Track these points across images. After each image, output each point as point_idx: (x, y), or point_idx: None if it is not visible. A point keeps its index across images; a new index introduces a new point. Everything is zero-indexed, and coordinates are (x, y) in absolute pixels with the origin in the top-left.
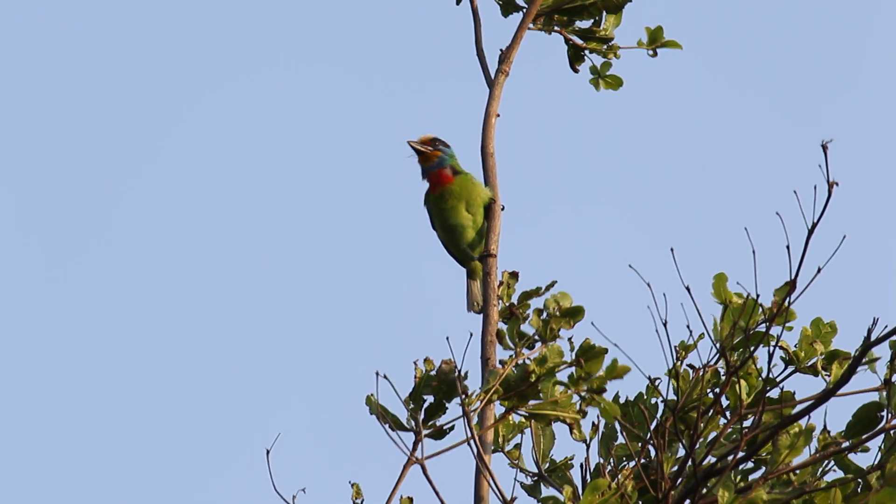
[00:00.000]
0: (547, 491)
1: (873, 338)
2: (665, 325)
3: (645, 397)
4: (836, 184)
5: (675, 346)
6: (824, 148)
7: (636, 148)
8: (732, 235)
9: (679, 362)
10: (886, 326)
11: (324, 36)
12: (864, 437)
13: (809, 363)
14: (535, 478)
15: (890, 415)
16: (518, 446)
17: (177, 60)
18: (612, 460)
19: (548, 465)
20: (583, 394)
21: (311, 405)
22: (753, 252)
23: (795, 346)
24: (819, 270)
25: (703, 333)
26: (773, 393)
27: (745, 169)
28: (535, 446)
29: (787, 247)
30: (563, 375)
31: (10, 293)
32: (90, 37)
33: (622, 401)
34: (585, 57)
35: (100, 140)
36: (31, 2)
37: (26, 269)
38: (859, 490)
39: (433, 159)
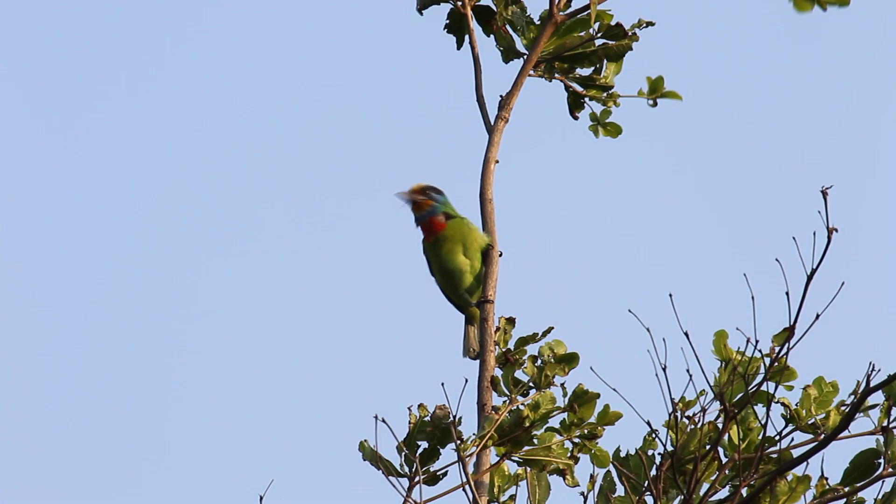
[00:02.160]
0: None
1: (871, 385)
2: (664, 369)
3: (642, 447)
4: (836, 230)
5: (675, 400)
6: (824, 194)
7: (635, 195)
8: (732, 281)
9: (678, 414)
10: (881, 371)
11: (326, 77)
12: (861, 483)
13: (811, 422)
14: None
15: (886, 462)
16: (513, 497)
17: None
18: None
19: None
20: (575, 440)
21: (305, 451)
22: (752, 298)
23: (797, 404)
24: (818, 317)
25: (703, 390)
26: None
27: (745, 215)
28: (530, 497)
29: (787, 293)
30: (556, 421)
31: (8, 294)
32: (95, 47)
33: (623, 454)
34: (585, 104)
35: (107, 157)
36: (33, 5)
37: (28, 272)
38: None
39: (425, 207)
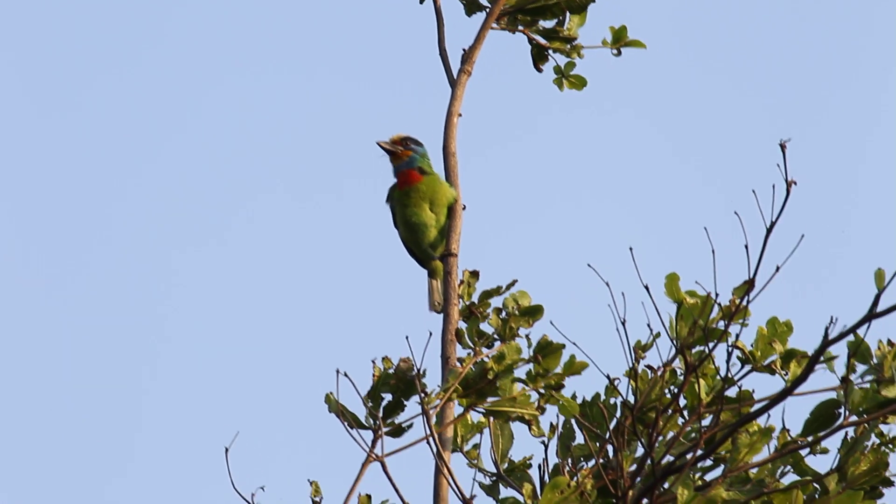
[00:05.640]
0: (505, 491)
1: (831, 336)
2: (624, 324)
3: (604, 397)
4: (795, 183)
5: (633, 346)
6: (782, 147)
7: (597, 148)
8: (692, 235)
9: (637, 362)
10: (844, 325)
11: (283, 35)
12: (821, 434)
13: (766, 362)
14: (494, 478)
15: (847, 412)
16: (477, 446)
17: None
18: (570, 460)
19: (506, 465)
20: (541, 390)
21: (271, 403)
22: (713, 251)
23: (752, 346)
24: (777, 269)
25: (659, 332)
26: (731, 392)
27: (705, 168)
28: (493, 446)
29: (746, 246)
30: (521, 373)
31: (8, 295)
32: (89, 41)
33: (580, 401)
34: (549, 57)
35: (96, 146)
36: (33, 5)
37: (24, 273)
38: (817, 496)
39: (403, 159)
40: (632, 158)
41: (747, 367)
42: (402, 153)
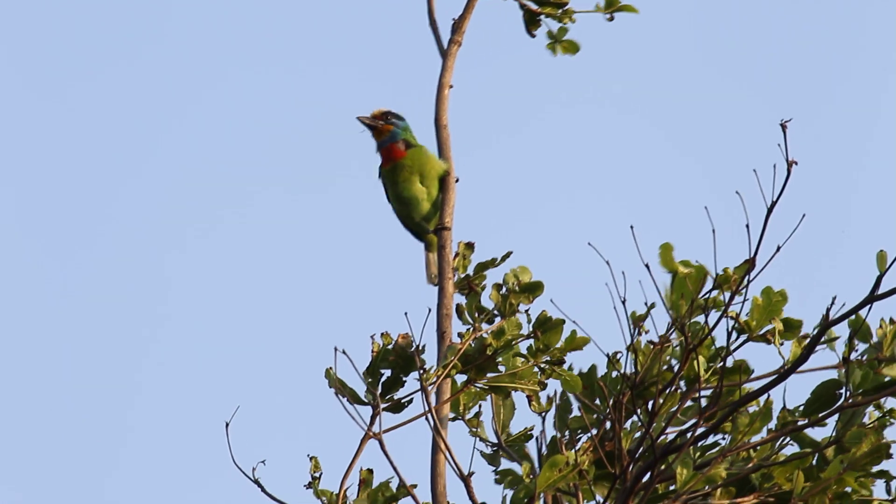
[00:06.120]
0: (505, 462)
1: (832, 317)
2: (623, 302)
3: (605, 372)
4: (795, 163)
5: (629, 316)
6: (783, 127)
7: (593, 119)
8: (693, 214)
9: (638, 335)
10: (845, 305)
11: (271, 8)
12: (822, 414)
13: (761, 332)
14: (495, 447)
15: (848, 392)
16: (478, 415)
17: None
18: (567, 433)
19: (506, 436)
20: (542, 365)
21: (271, 379)
22: (713, 231)
23: (747, 316)
24: (778, 249)
25: (654, 303)
26: (728, 363)
27: (706, 146)
28: (494, 416)
29: (747, 225)
30: (523, 348)
31: (7, 295)
32: (86, 39)
33: (577, 373)
34: (541, 22)
35: (91, 143)
36: (31, 3)
37: (22, 267)
38: (814, 463)
39: (385, 133)
40: (629, 132)
41: (742, 338)
42: (384, 127)
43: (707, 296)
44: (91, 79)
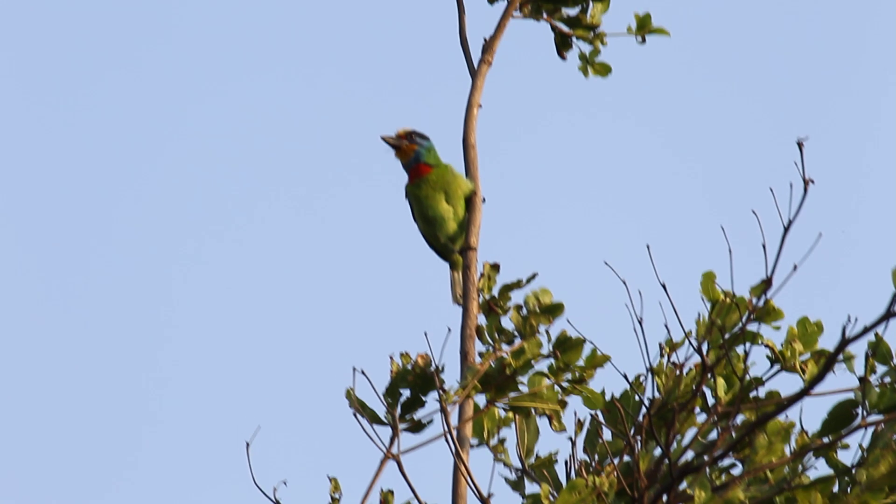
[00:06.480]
0: (531, 487)
1: (848, 335)
2: (641, 322)
3: (629, 394)
4: (812, 181)
5: (661, 344)
6: (800, 145)
7: (618, 140)
8: (710, 232)
9: (663, 359)
10: (857, 321)
11: (303, 26)
12: (842, 431)
13: (802, 359)
14: (520, 473)
15: (865, 412)
16: (503, 441)
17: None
18: (596, 457)
19: (532, 460)
20: (564, 384)
21: (292, 399)
22: (730, 251)
23: (782, 346)
24: (795, 268)
25: (690, 331)
26: (759, 392)
27: (725, 165)
28: (519, 441)
29: (763, 245)
30: (543, 366)
31: (7, 297)
32: (90, 43)
33: (608, 398)
34: (573, 44)
35: (96, 147)
36: (32, 5)
37: (30, 273)
38: (837, 488)
39: (410, 153)
40: (652, 153)
41: (775, 367)
42: (408, 147)
43: (734, 329)
44: (98, 84)
